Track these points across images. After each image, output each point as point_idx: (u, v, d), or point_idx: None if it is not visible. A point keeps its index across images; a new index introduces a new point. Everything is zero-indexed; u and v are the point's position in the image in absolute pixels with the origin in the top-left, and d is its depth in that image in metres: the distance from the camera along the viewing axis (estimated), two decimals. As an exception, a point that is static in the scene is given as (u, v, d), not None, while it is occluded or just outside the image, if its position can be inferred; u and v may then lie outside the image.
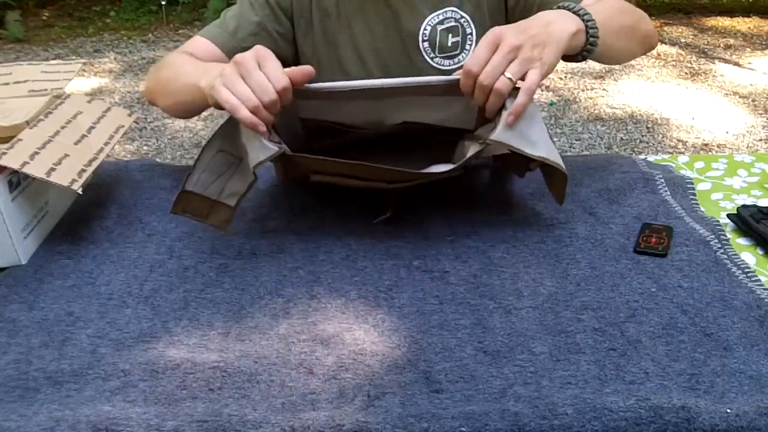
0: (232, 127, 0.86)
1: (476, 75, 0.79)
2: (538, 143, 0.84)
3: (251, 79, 0.77)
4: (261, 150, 0.81)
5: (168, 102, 1.02)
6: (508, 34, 0.80)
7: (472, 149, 0.84)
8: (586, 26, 0.86)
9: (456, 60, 1.08)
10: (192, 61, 0.99)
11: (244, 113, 0.77)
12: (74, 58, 4.07)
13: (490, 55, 0.79)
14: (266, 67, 0.78)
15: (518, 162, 0.91)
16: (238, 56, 0.79)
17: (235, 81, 0.78)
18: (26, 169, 0.81)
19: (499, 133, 0.81)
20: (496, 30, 0.81)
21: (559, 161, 0.85)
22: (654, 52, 3.94)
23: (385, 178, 0.86)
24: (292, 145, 0.85)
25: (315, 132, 0.93)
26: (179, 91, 0.96)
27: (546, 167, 0.88)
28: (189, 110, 1.01)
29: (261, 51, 0.79)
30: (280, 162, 0.98)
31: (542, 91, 3.44)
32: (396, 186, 0.87)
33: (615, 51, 0.97)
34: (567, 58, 0.90)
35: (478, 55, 0.79)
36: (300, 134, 0.93)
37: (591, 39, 0.87)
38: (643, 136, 2.99)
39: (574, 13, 0.87)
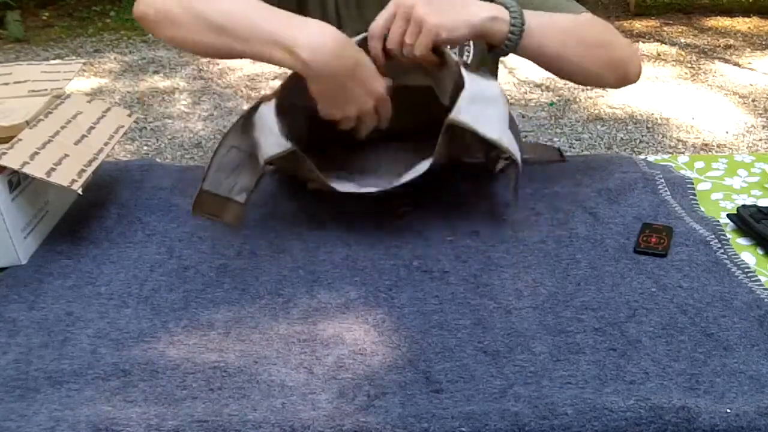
0: (246, 122, 0.87)
1: (380, 40, 0.85)
2: (495, 128, 0.85)
3: (367, 121, 0.88)
4: (276, 145, 0.83)
5: (199, 43, 0.89)
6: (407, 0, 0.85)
7: (441, 139, 0.85)
8: (510, 17, 0.88)
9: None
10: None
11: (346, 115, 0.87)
12: (74, 58, 4.07)
13: (390, 20, 0.85)
14: (381, 108, 0.88)
15: (479, 149, 0.94)
16: (365, 106, 0.86)
17: (355, 120, 0.88)
18: (26, 169, 0.81)
19: (456, 114, 0.83)
20: None
21: (514, 150, 0.87)
22: (654, 51, 3.94)
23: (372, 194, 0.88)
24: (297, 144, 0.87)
25: (320, 128, 0.93)
26: (235, 37, 0.85)
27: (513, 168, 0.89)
28: (232, 56, 0.89)
29: (384, 97, 0.87)
30: (284, 166, 0.98)
31: (542, 91, 3.44)
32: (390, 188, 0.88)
33: (560, 60, 0.96)
34: (492, 50, 0.93)
35: (377, 21, 0.86)
36: (304, 132, 0.94)
37: (513, 29, 0.88)
38: (643, 136, 2.99)
39: (503, 5, 0.89)
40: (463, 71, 0.86)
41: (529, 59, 0.94)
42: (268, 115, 0.85)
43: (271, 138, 0.83)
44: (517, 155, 0.87)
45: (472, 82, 0.85)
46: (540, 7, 0.98)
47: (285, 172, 1.01)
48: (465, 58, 1.07)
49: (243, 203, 0.88)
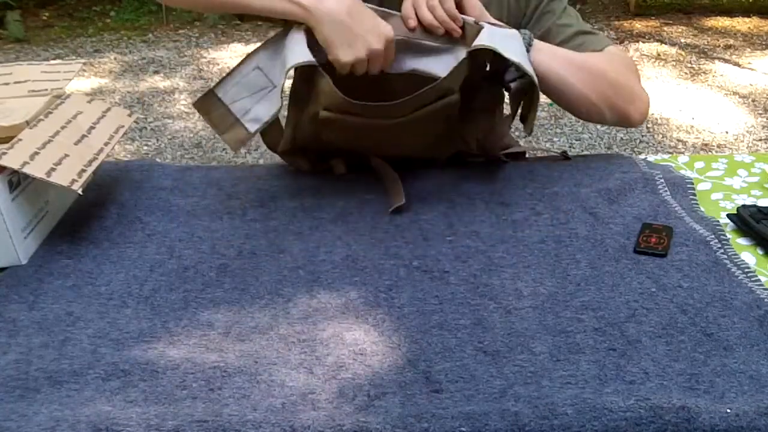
0: (275, 45, 0.89)
1: (411, 16, 0.92)
2: (516, 53, 0.90)
3: (378, 63, 0.92)
4: (301, 54, 0.86)
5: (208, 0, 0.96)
6: None
7: (461, 53, 0.91)
8: (521, 33, 0.94)
9: None
10: None
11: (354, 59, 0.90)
12: (74, 58, 4.07)
13: None
14: (389, 49, 0.91)
15: (499, 76, 0.97)
16: (375, 46, 0.89)
17: (366, 64, 0.91)
18: (26, 169, 0.81)
19: (479, 41, 0.88)
20: None
21: (533, 73, 0.91)
22: (654, 51, 3.94)
23: (390, 114, 0.92)
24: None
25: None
26: None
27: (520, 96, 0.95)
28: (239, 11, 0.94)
29: (391, 37, 0.91)
30: (301, 90, 0.99)
31: (542, 91, 3.45)
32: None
33: (563, 87, 0.98)
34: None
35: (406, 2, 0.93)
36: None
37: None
38: (643, 136, 2.98)
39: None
40: (483, 24, 0.91)
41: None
42: (298, 33, 0.88)
43: (297, 48, 0.86)
44: (535, 78, 0.92)
45: (490, 26, 0.91)
46: (564, 45, 1.01)
47: (300, 99, 0.99)
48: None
49: (251, 133, 0.89)
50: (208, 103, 0.89)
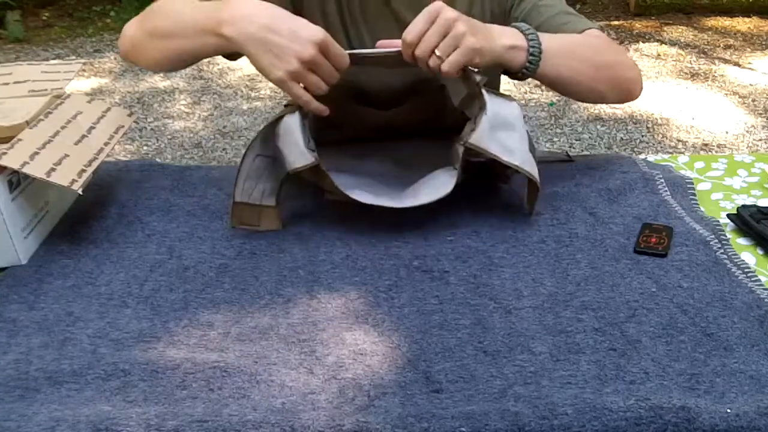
0: (269, 131, 0.89)
1: (412, 46, 0.83)
2: (515, 152, 0.87)
3: (321, 71, 0.83)
4: (301, 157, 0.85)
5: (158, 55, 0.95)
6: (448, 10, 0.83)
7: (459, 150, 0.87)
8: (529, 45, 0.89)
9: None
10: (189, 2, 0.93)
11: (315, 105, 0.84)
12: (74, 58, 4.07)
13: (428, 26, 0.83)
14: (330, 54, 0.83)
15: (496, 168, 0.94)
16: (305, 53, 0.81)
17: (306, 75, 0.82)
18: (26, 169, 0.81)
19: (477, 137, 0.85)
20: (438, 3, 0.84)
21: (534, 173, 0.89)
22: (654, 51, 3.94)
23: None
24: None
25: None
26: (179, 37, 0.91)
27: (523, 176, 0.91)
28: (186, 60, 0.95)
29: (324, 40, 0.82)
30: (306, 177, 0.98)
31: (542, 91, 3.44)
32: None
33: (571, 83, 0.97)
34: (508, 74, 0.95)
35: (415, 25, 0.83)
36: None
37: (531, 59, 0.90)
38: (643, 136, 2.98)
39: (521, 32, 0.90)
40: (484, 92, 0.87)
41: (541, 82, 0.97)
42: (292, 126, 0.86)
43: (296, 150, 0.85)
44: (537, 177, 0.89)
45: (492, 104, 0.86)
46: (548, 23, 0.99)
47: (307, 179, 1.01)
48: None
49: (275, 206, 0.91)
50: (237, 212, 0.91)
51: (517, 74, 0.92)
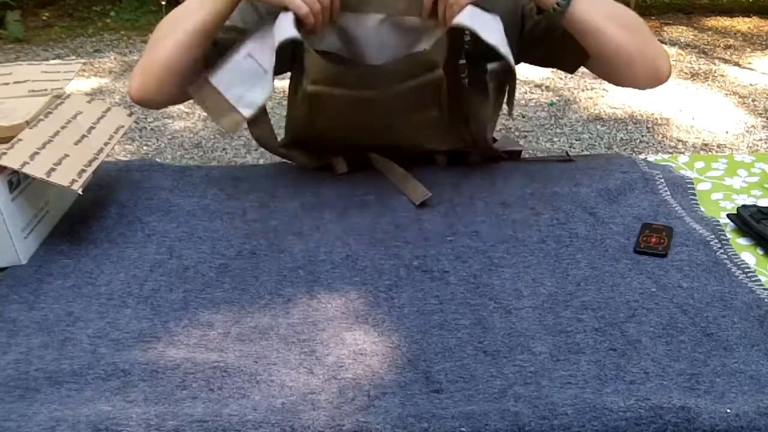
0: (264, 32, 0.91)
1: None
2: (493, 34, 0.91)
3: None
4: (287, 31, 0.88)
5: (170, 48, 0.96)
6: None
7: (442, 36, 0.91)
8: None
9: None
10: (179, 15, 0.97)
11: (306, 12, 0.89)
12: (74, 58, 4.07)
13: None
14: None
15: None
16: None
17: None
18: (26, 169, 0.81)
19: (459, 19, 0.89)
20: None
21: (510, 57, 0.92)
22: (654, 52, 3.94)
23: (375, 83, 0.93)
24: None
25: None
26: (186, 17, 0.95)
27: (502, 81, 0.96)
28: (198, 40, 0.95)
29: None
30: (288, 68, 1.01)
31: (542, 91, 3.44)
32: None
33: (602, 36, 0.96)
34: (540, 13, 0.98)
35: None
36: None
37: None
38: (643, 136, 2.99)
39: None
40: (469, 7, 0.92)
41: (572, 29, 0.96)
42: (284, 16, 0.90)
43: (284, 29, 0.88)
44: (512, 62, 0.93)
45: (473, 7, 0.91)
46: None
47: (294, 85, 1.02)
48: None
49: (246, 117, 0.92)
50: (204, 91, 0.92)
51: (549, 11, 0.94)
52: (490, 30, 0.92)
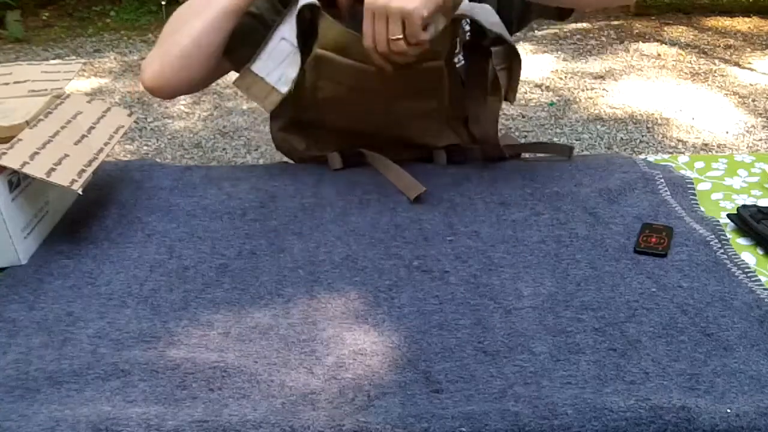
0: (291, 18, 0.96)
1: (373, 48, 0.88)
2: (496, 25, 0.95)
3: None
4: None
5: (185, 41, 0.98)
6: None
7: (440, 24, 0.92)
8: None
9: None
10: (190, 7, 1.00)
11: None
12: (74, 58, 4.07)
13: (373, 25, 0.86)
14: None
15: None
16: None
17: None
18: (26, 169, 0.81)
19: (465, 6, 0.92)
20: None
21: (507, 37, 0.95)
22: (654, 51, 3.94)
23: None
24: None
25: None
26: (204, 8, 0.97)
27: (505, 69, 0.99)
28: (216, 32, 0.98)
29: None
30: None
31: (542, 91, 3.45)
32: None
33: None
34: None
35: (365, 30, 0.87)
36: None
37: None
38: (643, 136, 2.99)
39: None
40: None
41: None
42: None
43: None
44: (510, 40, 0.96)
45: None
46: None
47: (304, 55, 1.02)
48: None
49: (283, 93, 0.97)
50: (249, 80, 0.98)
51: None
52: (488, 15, 0.95)
